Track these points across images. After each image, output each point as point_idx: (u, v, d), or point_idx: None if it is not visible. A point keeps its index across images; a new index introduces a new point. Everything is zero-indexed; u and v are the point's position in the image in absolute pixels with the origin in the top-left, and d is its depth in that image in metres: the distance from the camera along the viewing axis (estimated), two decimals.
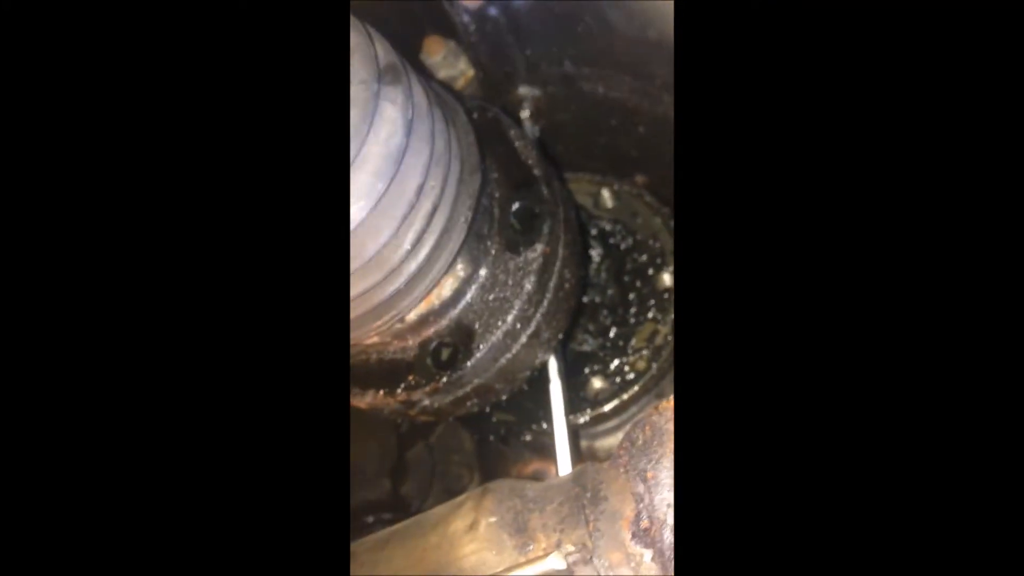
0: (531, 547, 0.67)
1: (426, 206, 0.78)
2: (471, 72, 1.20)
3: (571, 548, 0.64)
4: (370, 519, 1.30)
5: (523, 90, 1.19)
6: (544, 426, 1.12)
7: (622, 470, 0.68)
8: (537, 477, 1.25)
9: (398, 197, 0.74)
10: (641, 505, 0.64)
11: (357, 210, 0.71)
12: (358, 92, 0.69)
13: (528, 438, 1.14)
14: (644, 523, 0.63)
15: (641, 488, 0.64)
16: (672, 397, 0.69)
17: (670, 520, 0.62)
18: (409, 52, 1.23)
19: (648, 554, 0.63)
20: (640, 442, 0.68)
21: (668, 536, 0.61)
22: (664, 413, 0.68)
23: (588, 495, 0.69)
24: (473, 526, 0.70)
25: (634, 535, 0.64)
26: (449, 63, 1.21)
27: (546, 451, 1.13)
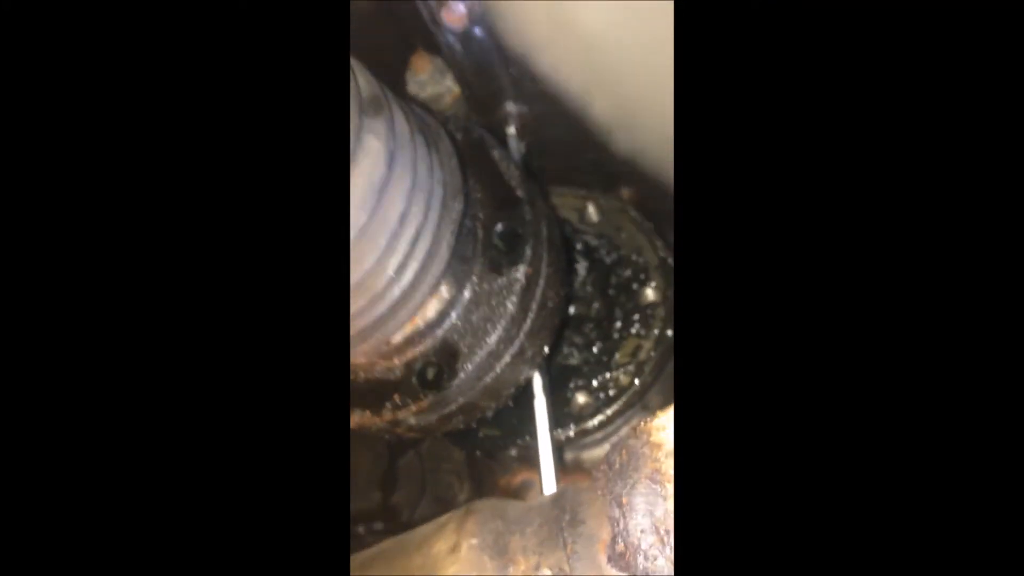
0: (511, 569, 0.69)
1: (409, 232, 0.80)
2: (457, 90, 1.21)
3: (547, 572, 0.66)
4: (360, 529, 1.32)
5: (509, 107, 1.20)
6: (530, 440, 1.13)
7: (599, 493, 0.70)
8: (525, 486, 1.27)
9: (381, 225, 0.76)
10: (616, 530, 0.66)
11: None
12: None
13: (514, 452, 1.15)
14: (620, 547, 0.65)
15: (616, 512, 0.66)
16: (650, 420, 0.70)
17: (644, 545, 0.63)
18: (397, 70, 1.25)
19: None
20: (617, 465, 0.69)
21: (642, 561, 0.63)
22: (641, 436, 0.70)
23: (567, 517, 0.71)
24: (455, 548, 0.72)
25: (610, 559, 0.66)
26: (436, 81, 1.23)
27: (533, 462, 1.15)
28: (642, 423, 0.71)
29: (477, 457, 1.27)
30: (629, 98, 1.05)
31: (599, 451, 1.18)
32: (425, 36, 1.15)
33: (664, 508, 0.64)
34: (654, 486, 0.65)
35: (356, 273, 0.77)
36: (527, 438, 1.13)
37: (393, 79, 1.26)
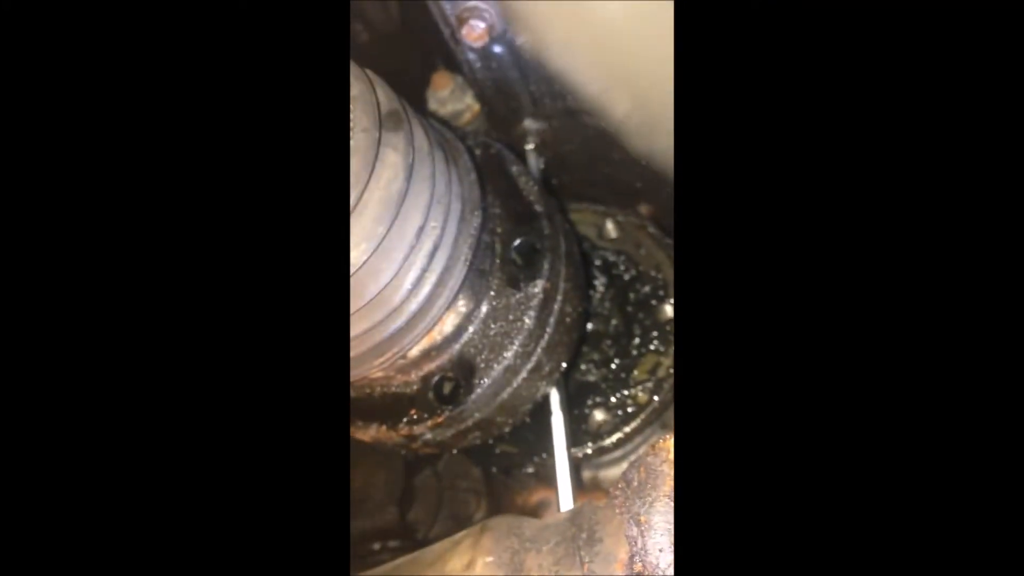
0: None
1: (427, 246, 0.80)
2: (478, 106, 1.22)
3: None
4: (376, 546, 1.31)
5: (528, 123, 1.21)
6: (547, 457, 1.12)
7: (617, 511, 0.68)
8: (542, 505, 1.26)
9: (399, 239, 0.76)
10: (635, 549, 0.64)
11: (359, 253, 0.73)
12: (359, 140, 0.71)
13: (531, 470, 1.14)
14: (637, 567, 0.64)
15: (634, 531, 0.65)
16: (669, 437, 0.69)
17: (662, 564, 0.62)
18: (419, 87, 1.26)
19: None
20: (635, 484, 0.68)
21: None
22: (660, 454, 0.69)
23: (584, 536, 0.69)
24: (470, 565, 0.71)
25: None
26: (456, 98, 1.24)
27: (551, 480, 1.14)
28: (660, 440, 0.69)
29: (494, 475, 1.25)
30: (649, 97, 1.04)
31: (617, 470, 1.16)
32: (446, 54, 1.17)
33: None
34: (673, 504, 0.64)
35: (373, 286, 0.77)
36: (544, 455, 1.11)
37: (414, 96, 1.28)
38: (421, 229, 0.78)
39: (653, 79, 1.00)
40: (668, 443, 0.69)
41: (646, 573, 0.62)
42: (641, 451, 0.98)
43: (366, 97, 0.74)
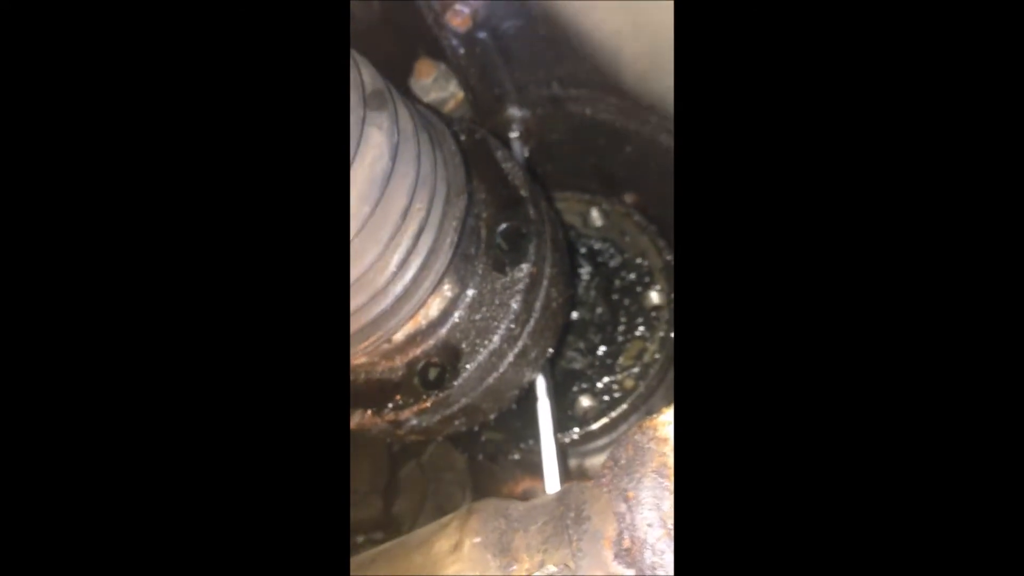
0: (514, 567, 0.67)
1: (412, 228, 0.79)
2: (461, 94, 1.22)
3: (553, 569, 0.64)
4: (360, 539, 1.30)
5: (512, 111, 1.21)
6: (533, 444, 1.12)
7: (605, 489, 0.68)
8: (528, 495, 1.25)
9: (383, 220, 0.76)
10: (623, 525, 0.64)
11: None
12: None
13: (517, 457, 1.14)
14: (626, 543, 0.64)
15: (623, 508, 0.65)
16: (656, 416, 0.69)
17: (651, 539, 0.62)
18: (402, 74, 1.25)
19: (630, 574, 0.63)
20: (623, 461, 0.68)
21: (649, 556, 0.61)
22: (647, 432, 0.69)
23: (572, 515, 0.69)
24: (457, 546, 0.71)
25: (616, 555, 0.64)
26: (440, 85, 1.24)
27: (536, 469, 1.14)
28: (648, 419, 0.70)
29: (480, 465, 1.25)
30: (661, 42, 1.03)
31: (603, 456, 1.16)
32: (429, 42, 1.16)
33: (671, 502, 0.63)
34: (661, 480, 0.64)
35: (358, 268, 0.76)
36: (530, 442, 1.11)
37: (397, 85, 1.27)
38: (406, 210, 0.78)
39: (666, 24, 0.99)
40: (655, 421, 0.69)
41: (634, 548, 0.62)
42: (623, 435, 0.99)
43: (351, 76, 0.74)
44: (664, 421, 0.68)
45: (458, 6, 1.00)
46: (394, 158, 0.74)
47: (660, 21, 0.97)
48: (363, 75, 0.75)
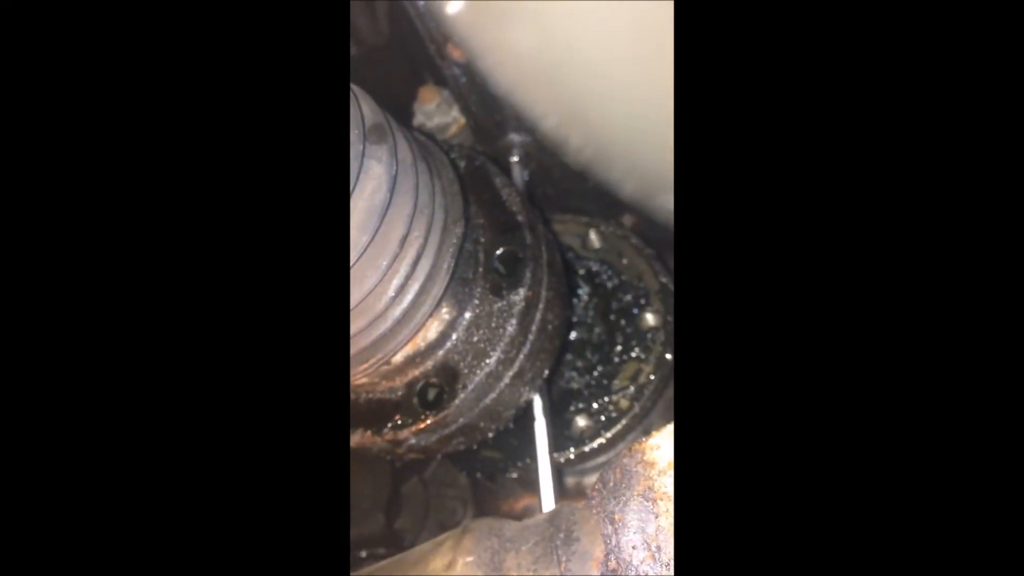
0: None
1: (410, 255, 0.82)
2: (463, 120, 1.25)
3: None
4: (363, 554, 1.32)
5: (513, 136, 1.24)
6: (531, 462, 1.14)
7: (593, 511, 0.70)
8: (528, 511, 1.27)
9: (382, 248, 0.79)
10: (609, 546, 0.66)
11: None
12: None
13: (515, 475, 1.16)
14: (612, 564, 0.66)
15: (609, 530, 0.67)
16: (644, 440, 0.71)
17: (635, 561, 0.64)
18: (406, 100, 1.29)
19: None
20: (611, 484, 0.70)
21: None
22: (635, 455, 0.71)
23: (562, 535, 0.71)
24: (451, 565, 0.73)
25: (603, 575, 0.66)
26: (443, 111, 1.27)
27: (534, 485, 1.16)
28: (636, 443, 0.72)
29: (480, 482, 1.27)
30: (603, 136, 1.07)
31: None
32: (433, 68, 1.19)
33: (656, 525, 0.65)
34: (647, 503, 0.66)
35: (357, 293, 0.79)
36: (527, 460, 1.13)
37: (402, 110, 1.30)
38: (404, 238, 0.81)
39: (610, 120, 1.03)
40: (644, 445, 0.71)
41: (620, 569, 0.64)
42: (612, 458, 1.00)
43: (351, 111, 0.77)
44: (652, 445, 0.70)
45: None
46: (392, 189, 0.77)
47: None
48: (363, 109, 0.79)
